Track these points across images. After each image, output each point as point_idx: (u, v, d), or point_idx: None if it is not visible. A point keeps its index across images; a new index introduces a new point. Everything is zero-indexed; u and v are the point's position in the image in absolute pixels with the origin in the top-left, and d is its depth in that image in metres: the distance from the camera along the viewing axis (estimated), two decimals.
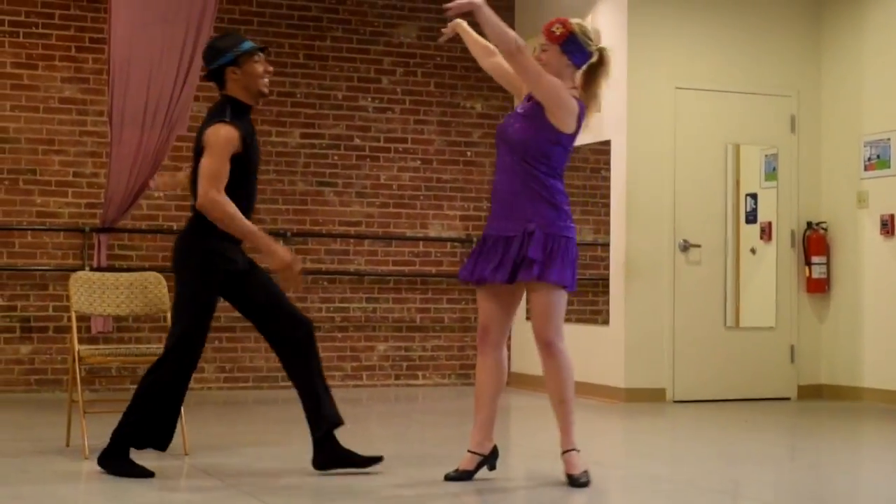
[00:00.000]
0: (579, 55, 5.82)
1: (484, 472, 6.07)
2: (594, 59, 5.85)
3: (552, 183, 5.80)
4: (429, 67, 11.29)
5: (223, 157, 5.83)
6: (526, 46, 5.72)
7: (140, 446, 6.08)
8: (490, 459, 6.03)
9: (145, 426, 6.02)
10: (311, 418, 6.09)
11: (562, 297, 5.89)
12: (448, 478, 5.91)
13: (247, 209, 6.01)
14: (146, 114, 9.59)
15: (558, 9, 10.83)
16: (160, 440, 6.08)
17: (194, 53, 9.63)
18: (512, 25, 11.44)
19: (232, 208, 5.83)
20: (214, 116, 5.96)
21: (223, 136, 5.85)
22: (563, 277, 5.81)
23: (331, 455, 6.08)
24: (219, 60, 5.99)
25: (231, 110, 5.96)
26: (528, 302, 6.18)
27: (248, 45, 6.02)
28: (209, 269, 6.00)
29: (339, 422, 6.10)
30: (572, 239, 5.91)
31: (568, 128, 5.73)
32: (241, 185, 5.96)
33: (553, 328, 5.83)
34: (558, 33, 5.79)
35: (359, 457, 6.09)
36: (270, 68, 6.17)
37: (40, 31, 10.16)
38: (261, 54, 6.05)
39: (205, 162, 5.84)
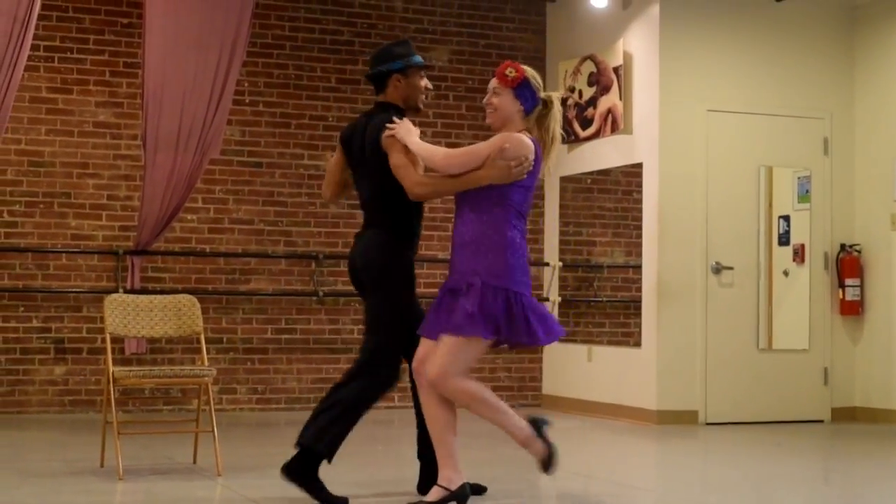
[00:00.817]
0: (531, 101, 5.74)
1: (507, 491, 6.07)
2: (541, 106, 5.79)
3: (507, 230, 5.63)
4: (460, 91, 11.35)
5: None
6: (447, 156, 5.68)
7: (330, 460, 5.89)
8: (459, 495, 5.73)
9: (340, 440, 5.86)
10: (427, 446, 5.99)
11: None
12: None
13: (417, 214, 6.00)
14: (180, 137, 9.68)
15: (589, 33, 10.89)
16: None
17: (227, 77, 9.73)
18: (543, 49, 11.52)
19: (433, 177, 5.76)
20: (384, 121, 5.87)
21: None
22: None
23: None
24: (389, 65, 6.00)
25: (395, 114, 5.93)
26: None
27: (418, 58, 6.07)
28: (410, 279, 5.94)
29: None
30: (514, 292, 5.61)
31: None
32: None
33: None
34: (511, 77, 5.72)
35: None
36: (431, 86, 6.21)
37: (75, 55, 10.27)
38: (424, 71, 6.10)
39: (396, 159, 5.76)
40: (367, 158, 5.93)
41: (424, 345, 5.73)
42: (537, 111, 5.79)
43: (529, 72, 5.79)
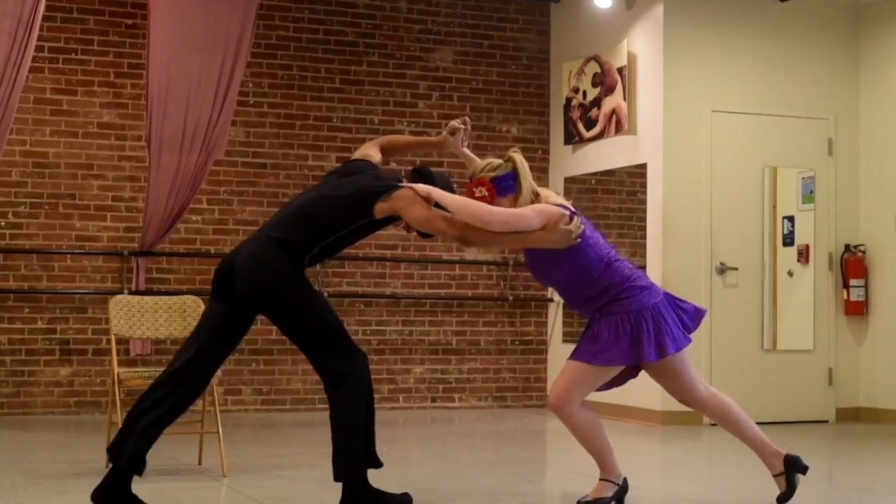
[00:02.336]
0: (508, 183, 5.64)
1: (486, 492, 6.07)
2: (511, 170, 5.68)
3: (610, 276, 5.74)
4: (465, 91, 11.35)
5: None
6: (490, 211, 5.56)
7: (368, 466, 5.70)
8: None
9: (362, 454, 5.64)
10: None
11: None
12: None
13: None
14: (184, 138, 9.69)
15: (593, 33, 10.89)
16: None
17: (231, 78, 9.74)
18: (547, 50, 11.52)
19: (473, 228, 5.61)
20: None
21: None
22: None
23: None
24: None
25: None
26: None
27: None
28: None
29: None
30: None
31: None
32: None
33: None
34: (481, 194, 5.63)
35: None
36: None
37: (79, 57, 10.28)
38: None
39: (422, 212, 5.56)
40: (348, 200, 5.60)
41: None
42: (516, 180, 5.66)
43: (488, 170, 5.68)
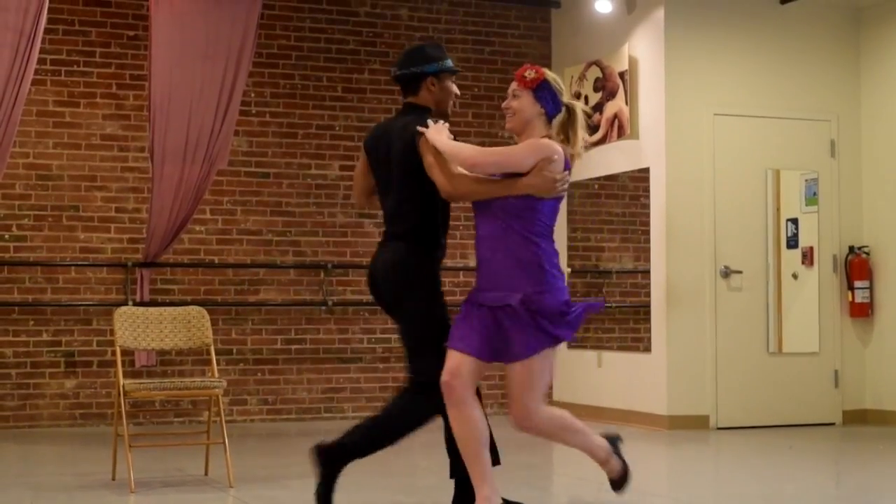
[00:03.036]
0: (552, 104, 5.47)
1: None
2: (563, 113, 5.53)
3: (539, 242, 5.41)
4: (466, 98, 11.34)
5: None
6: (479, 153, 5.47)
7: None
8: None
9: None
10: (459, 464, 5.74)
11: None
12: None
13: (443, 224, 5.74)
14: (187, 149, 9.69)
15: (594, 38, 10.89)
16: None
17: (233, 88, 9.74)
18: (549, 55, 11.52)
19: (470, 177, 5.48)
20: (417, 122, 5.59)
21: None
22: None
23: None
24: (423, 67, 5.74)
25: (428, 116, 5.67)
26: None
27: (450, 63, 5.85)
28: (436, 292, 5.68)
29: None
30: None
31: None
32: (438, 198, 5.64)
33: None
34: (530, 78, 5.44)
35: None
36: (459, 92, 5.98)
37: (82, 69, 10.29)
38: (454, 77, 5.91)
39: (430, 159, 5.47)
40: (394, 163, 5.65)
41: (453, 358, 5.40)
42: (561, 118, 5.53)
43: (550, 75, 5.50)
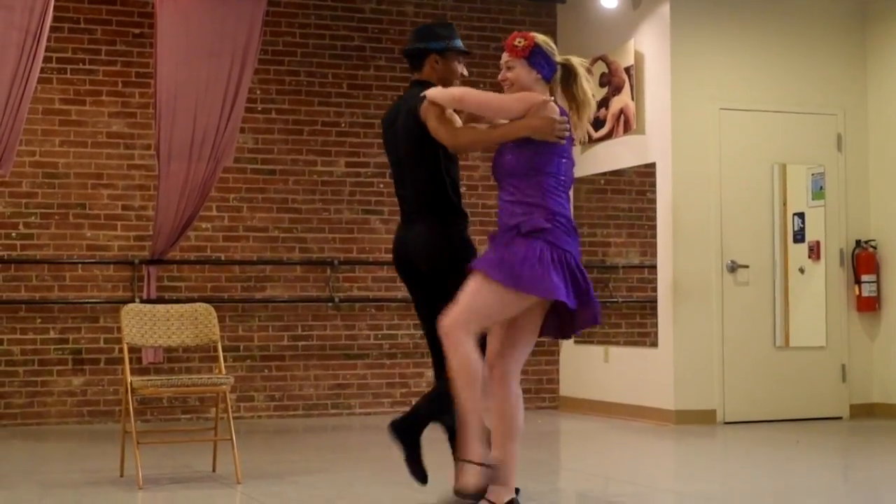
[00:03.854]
0: (547, 67, 5.52)
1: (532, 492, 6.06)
2: (559, 72, 5.58)
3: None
4: None
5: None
6: (464, 90, 5.58)
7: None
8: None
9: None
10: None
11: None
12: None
13: (454, 192, 5.86)
14: (193, 146, 9.70)
15: (600, 33, 10.89)
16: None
17: (239, 85, 9.75)
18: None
19: (469, 130, 5.59)
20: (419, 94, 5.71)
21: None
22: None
23: None
24: (430, 43, 5.90)
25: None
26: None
27: (459, 43, 5.96)
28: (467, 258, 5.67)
29: None
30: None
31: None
32: (446, 171, 5.79)
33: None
34: (521, 46, 5.49)
35: None
36: (467, 73, 6.07)
37: (87, 67, 10.30)
38: (463, 58, 5.98)
39: (434, 122, 5.58)
40: (408, 139, 5.77)
41: (497, 337, 5.36)
42: (557, 77, 5.57)
43: (540, 38, 5.55)
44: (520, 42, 5.50)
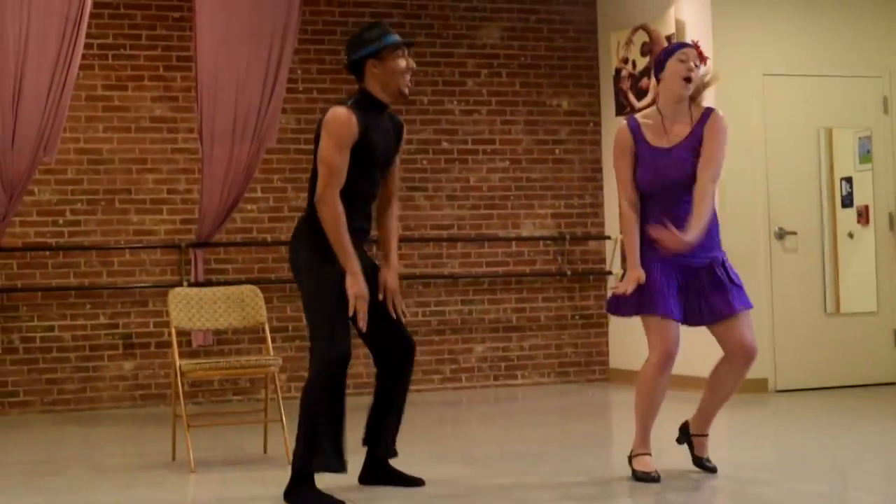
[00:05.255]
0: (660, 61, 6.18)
1: (552, 468, 6.03)
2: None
3: None
4: (513, 68, 11.27)
5: (340, 143, 5.47)
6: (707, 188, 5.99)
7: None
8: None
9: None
10: (374, 435, 6.03)
11: None
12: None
13: (348, 210, 5.59)
14: (235, 129, 9.68)
15: (640, 2, 10.77)
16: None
17: (279, 66, 9.71)
18: (595, 21, 11.40)
19: (339, 215, 5.51)
20: (338, 104, 5.59)
21: (341, 119, 5.47)
22: None
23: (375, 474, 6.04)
24: (360, 52, 5.61)
25: (357, 99, 5.63)
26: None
27: (392, 38, 5.62)
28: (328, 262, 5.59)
29: (393, 456, 6.03)
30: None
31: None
32: (348, 182, 5.56)
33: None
34: (705, 57, 6.18)
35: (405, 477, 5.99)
36: (413, 65, 5.79)
37: (128, 52, 10.29)
38: (406, 49, 5.69)
39: (323, 149, 5.49)
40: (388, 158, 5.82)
41: (673, 328, 6.10)
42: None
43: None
44: (702, 50, 6.13)
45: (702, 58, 6.09)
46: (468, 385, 10.99)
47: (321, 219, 5.53)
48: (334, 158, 5.48)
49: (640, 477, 5.92)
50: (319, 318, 5.57)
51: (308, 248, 5.65)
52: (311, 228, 5.66)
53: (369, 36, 5.64)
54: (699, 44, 6.20)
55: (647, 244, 5.88)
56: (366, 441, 6.05)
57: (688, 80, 5.98)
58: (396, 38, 5.67)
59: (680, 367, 6.35)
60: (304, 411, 5.60)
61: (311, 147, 10.12)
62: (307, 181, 10.62)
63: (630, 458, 6.05)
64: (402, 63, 5.66)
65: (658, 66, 6.09)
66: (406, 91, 5.73)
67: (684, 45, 6.14)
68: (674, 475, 6.05)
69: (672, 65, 6.00)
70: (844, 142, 10.46)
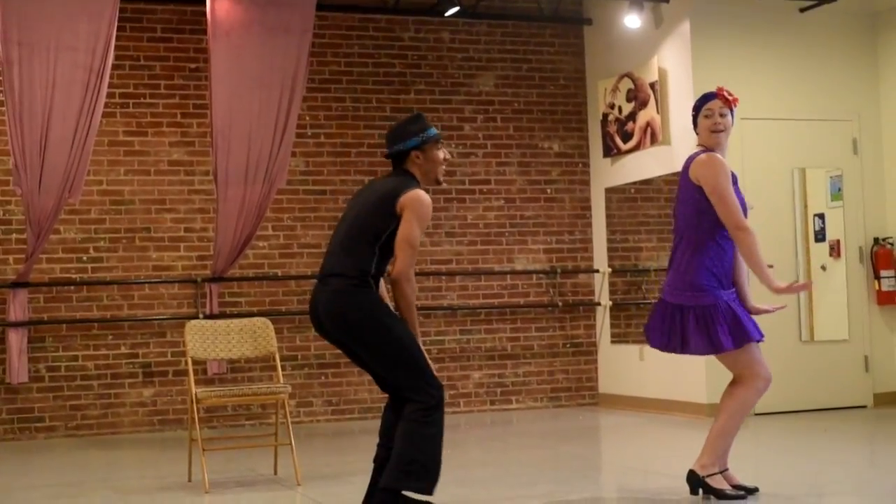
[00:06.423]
0: (733, 116, 6.12)
1: (546, 489, 6.01)
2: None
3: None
4: (507, 113, 11.32)
5: (424, 226, 5.56)
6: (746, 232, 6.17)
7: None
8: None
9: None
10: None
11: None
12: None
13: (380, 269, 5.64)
14: (248, 171, 9.72)
15: (625, 52, 10.83)
16: None
17: (289, 113, 9.76)
18: (582, 70, 11.46)
19: (416, 290, 5.51)
20: (407, 183, 5.61)
21: (428, 204, 5.56)
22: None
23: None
24: (406, 143, 5.67)
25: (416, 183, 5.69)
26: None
27: (433, 132, 5.73)
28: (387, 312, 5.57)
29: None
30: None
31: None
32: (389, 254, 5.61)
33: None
34: (733, 98, 6.01)
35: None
36: (449, 156, 5.90)
37: (148, 100, 10.34)
38: (442, 141, 5.81)
39: (411, 229, 5.51)
40: (374, 211, 5.61)
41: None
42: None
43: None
44: (730, 95, 5.99)
45: (727, 102, 5.98)
46: (466, 410, 10.98)
47: (402, 294, 5.45)
48: (419, 239, 5.53)
49: (729, 495, 5.85)
50: (414, 361, 5.49)
51: (358, 307, 5.52)
52: (357, 289, 5.53)
53: (413, 128, 5.71)
54: (723, 89, 6.04)
55: (714, 277, 5.84)
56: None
57: (717, 131, 5.90)
58: (436, 131, 5.78)
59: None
60: (427, 441, 5.60)
61: (318, 188, 10.08)
62: (315, 220, 10.67)
63: (704, 478, 5.96)
64: (441, 154, 5.76)
65: (693, 123, 6.15)
66: (441, 179, 5.80)
67: (707, 97, 6.04)
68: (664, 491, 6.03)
69: (700, 122, 6.06)
70: (817, 181, 10.48)
